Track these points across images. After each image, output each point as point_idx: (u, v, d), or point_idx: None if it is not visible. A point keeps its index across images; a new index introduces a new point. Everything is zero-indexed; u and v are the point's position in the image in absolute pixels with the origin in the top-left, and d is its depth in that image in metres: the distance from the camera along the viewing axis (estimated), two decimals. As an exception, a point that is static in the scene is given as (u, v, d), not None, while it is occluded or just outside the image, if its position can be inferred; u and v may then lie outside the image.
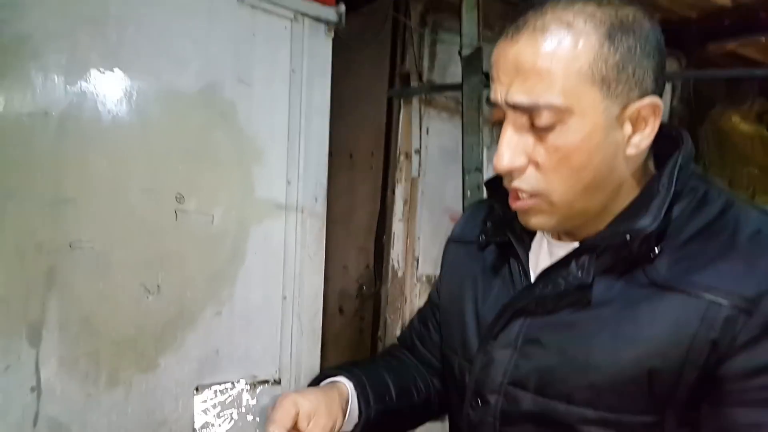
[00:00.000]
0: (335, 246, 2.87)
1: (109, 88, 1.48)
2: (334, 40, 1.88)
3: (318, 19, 1.81)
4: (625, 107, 0.69)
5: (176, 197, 1.58)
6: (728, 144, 3.95)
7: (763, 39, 3.21)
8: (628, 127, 0.70)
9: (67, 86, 1.42)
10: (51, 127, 1.41)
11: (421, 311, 1.10)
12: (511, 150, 0.71)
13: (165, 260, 1.57)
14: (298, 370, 1.84)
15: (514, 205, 0.75)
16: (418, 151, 2.68)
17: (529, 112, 0.68)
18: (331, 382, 0.94)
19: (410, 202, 2.70)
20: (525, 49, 0.67)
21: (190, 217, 1.60)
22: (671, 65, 3.50)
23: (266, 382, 1.77)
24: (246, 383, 1.73)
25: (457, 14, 2.24)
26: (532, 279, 0.82)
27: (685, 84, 3.60)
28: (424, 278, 2.78)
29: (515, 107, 0.69)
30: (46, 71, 1.39)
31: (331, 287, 3.00)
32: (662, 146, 0.78)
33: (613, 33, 0.67)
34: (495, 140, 0.74)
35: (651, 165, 0.79)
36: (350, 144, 2.94)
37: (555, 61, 0.66)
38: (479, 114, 2.23)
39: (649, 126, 0.71)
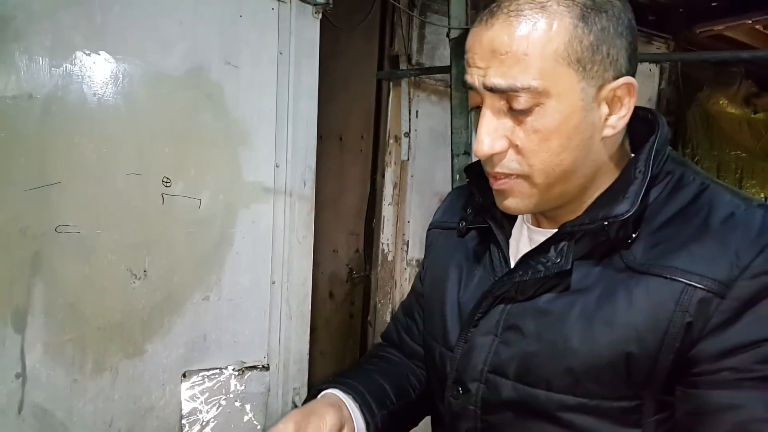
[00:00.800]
0: (325, 230, 2.86)
1: (94, 70, 1.45)
2: (322, 22, 1.86)
3: (305, 1, 1.78)
4: (600, 88, 0.69)
5: (163, 181, 1.56)
6: (716, 127, 3.98)
7: (749, 21, 3.22)
8: (604, 108, 0.70)
9: (52, 68, 1.40)
10: (36, 110, 1.38)
11: (404, 303, 1.09)
12: (491, 135, 0.71)
13: (152, 245, 1.56)
14: (287, 355, 1.84)
15: (495, 185, 0.75)
16: (408, 134, 2.67)
17: (507, 95, 0.68)
18: (325, 395, 0.92)
19: (400, 186, 2.70)
20: (500, 33, 0.67)
21: (177, 200, 1.59)
22: (660, 47, 3.50)
23: (254, 367, 1.77)
24: (234, 369, 1.73)
25: (446, -4, 2.22)
26: (512, 265, 0.81)
27: (673, 66, 3.60)
28: (414, 262, 2.79)
29: (493, 90, 0.69)
30: (30, 53, 1.37)
31: (321, 271, 2.99)
32: (639, 129, 0.78)
33: (587, 14, 0.67)
34: (474, 125, 0.73)
35: (627, 147, 0.79)
36: (339, 127, 2.92)
37: (530, 43, 0.66)
38: (468, 97, 2.21)
39: (625, 106, 0.71)
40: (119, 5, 1.47)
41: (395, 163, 2.67)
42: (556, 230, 0.77)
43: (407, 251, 2.75)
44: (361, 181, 2.81)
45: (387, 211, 2.67)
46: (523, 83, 0.66)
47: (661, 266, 0.68)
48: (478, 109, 0.73)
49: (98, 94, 1.46)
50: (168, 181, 1.57)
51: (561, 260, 0.73)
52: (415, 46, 2.63)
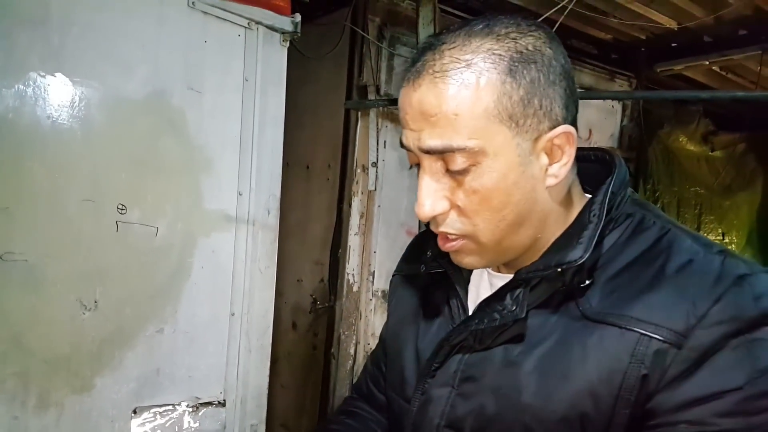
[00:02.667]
0: (289, 259, 2.81)
1: (49, 92, 1.40)
2: (290, 50, 1.84)
3: (273, 28, 1.77)
4: (537, 140, 0.67)
5: (118, 208, 1.50)
6: (676, 163, 4.08)
7: (706, 62, 3.34)
8: (544, 159, 0.69)
9: (3, 89, 1.34)
10: (-17, 132, 1.32)
11: (373, 352, 1.06)
12: (431, 197, 0.69)
13: (104, 274, 1.49)
14: (245, 390, 1.77)
15: (444, 246, 0.73)
16: (375, 164, 2.66)
17: (443, 156, 0.67)
18: None
19: (366, 216, 2.67)
20: (428, 95, 0.66)
21: (133, 228, 1.53)
22: (622, 85, 3.60)
23: (210, 404, 1.69)
24: (188, 405, 1.65)
25: (414, 28, 2.24)
26: (471, 312, 0.79)
27: (635, 104, 3.70)
28: (379, 293, 2.75)
29: (429, 152, 0.67)
30: (-20, 73, 1.31)
31: (284, 301, 2.93)
32: (596, 171, 0.77)
33: (514, 67, 0.65)
34: (415, 184, 0.73)
35: (579, 191, 0.77)
36: (307, 155, 2.90)
37: (459, 104, 0.64)
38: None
39: (566, 154, 0.69)
40: (79, 27, 1.43)
41: (362, 193, 2.65)
42: (511, 275, 0.75)
43: (373, 282, 2.72)
44: (327, 210, 2.78)
45: (353, 240, 2.64)
46: (459, 144, 0.65)
47: (617, 315, 0.66)
48: (417, 166, 0.72)
49: (52, 117, 1.40)
50: (123, 208, 1.51)
51: (516, 308, 0.71)
52: (383, 76, 2.64)
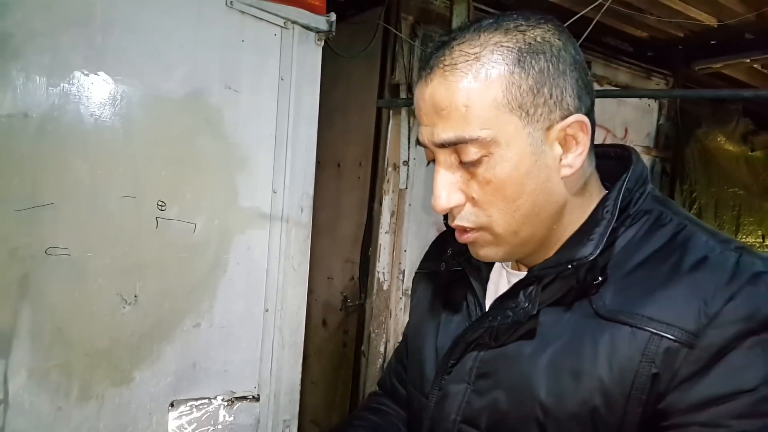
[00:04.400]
0: (320, 257, 2.83)
1: (92, 90, 1.44)
2: (324, 49, 1.85)
3: (308, 28, 1.78)
4: (549, 129, 0.68)
5: (158, 204, 1.53)
6: (714, 163, 3.99)
7: (747, 60, 3.25)
8: (557, 149, 0.69)
9: (49, 88, 1.38)
10: (30, 129, 1.36)
11: (397, 348, 1.08)
12: (447, 190, 0.70)
13: (143, 269, 1.52)
14: (278, 385, 1.79)
15: (460, 238, 0.74)
16: (406, 163, 2.65)
17: (456, 148, 0.68)
18: None
19: (397, 214, 2.68)
20: (439, 89, 0.67)
21: (172, 225, 1.56)
22: (659, 83, 3.53)
23: (244, 398, 1.72)
24: (223, 399, 1.68)
25: (448, 27, 2.23)
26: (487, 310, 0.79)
27: (672, 103, 3.63)
28: (409, 292, 2.75)
29: (442, 145, 0.69)
30: (27, 71, 1.35)
31: (315, 299, 2.95)
32: (613, 168, 0.77)
33: (522, 58, 0.66)
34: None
35: (598, 184, 0.76)
36: (338, 153, 2.91)
37: (469, 95, 0.66)
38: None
39: (580, 144, 0.69)
40: (120, 27, 1.46)
41: (393, 192, 2.65)
42: (512, 270, 0.77)
43: (403, 281, 2.72)
44: (358, 208, 2.79)
45: (384, 239, 2.65)
46: (470, 134, 0.66)
47: (628, 314, 0.66)
48: (434, 162, 0.73)
49: (95, 114, 1.44)
50: (163, 204, 1.54)
51: (528, 305, 0.71)
52: (415, 75, 2.63)
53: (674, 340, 0.62)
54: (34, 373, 1.38)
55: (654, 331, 0.63)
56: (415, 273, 1.02)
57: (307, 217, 1.85)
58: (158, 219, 1.53)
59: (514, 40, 0.67)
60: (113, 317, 1.49)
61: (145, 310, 1.53)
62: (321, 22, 1.80)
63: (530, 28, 0.68)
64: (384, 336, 2.67)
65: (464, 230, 0.72)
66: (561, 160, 0.70)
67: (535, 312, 0.71)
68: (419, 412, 0.85)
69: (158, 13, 1.52)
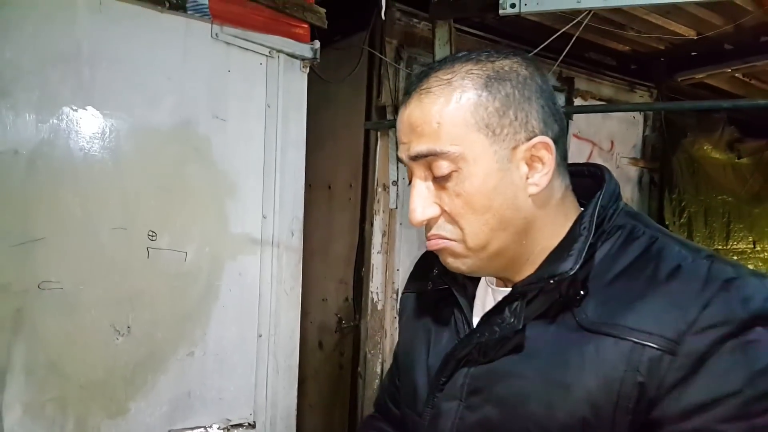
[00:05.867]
0: (314, 279, 2.84)
1: (81, 125, 1.46)
2: (310, 75, 1.89)
3: (293, 56, 1.82)
4: (515, 149, 0.73)
5: (148, 234, 1.55)
6: (702, 172, 4.03)
7: (729, 70, 3.31)
8: (523, 167, 0.73)
9: (39, 124, 1.40)
10: (20, 166, 1.38)
11: (389, 370, 1.09)
12: (422, 202, 0.75)
13: (136, 300, 1.53)
14: (274, 411, 1.79)
15: (429, 245, 0.78)
16: (396, 183, 2.68)
17: (429, 163, 0.73)
18: None
19: (388, 234, 2.69)
20: (415, 110, 0.74)
21: (163, 254, 1.57)
22: (643, 95, 3.58)
23: (240, 425, 1.72)
24: (219, 428, 1.68)
25: (431, 49, 2.27)
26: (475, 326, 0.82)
27: (657, 114, 3.68)
28: (403, 310, 2.75)
29: (416, 158, 0.74)
30: (16, 109, 1.37)
31: (310, 321, 2.96)
32: (588, 186, 0.81)
33: (490, 83, 0.72)
34: None
35: (573, 205, 0.80)
36: (328, 176, 2.94)
37: (441, 114, 0.72)
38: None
39: (546, 164, 0.74)
40: (107, 60, 1.49)
41: (384, 212, 2.67)
42: (509, 289, 0.78)
43: (397, 300, 2.73)
44: (349, 229, 2.80)
45: (376, 259, 2.66)
46: (441, 149, 0.71)
47: (611, 325, 0.68)
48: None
49: (84, 148, 1.46)
50: (153, 234, 1.55)
51: (514, 320, 0.74)
52: (401, 96, 2.68)
53: (656, 348, 0.64)
54: (29, 408, 1.39)
55: (636, 340, 0.66)
56: (402, 294, 1.04)
57: (297, 240, 1.87)
58: (149, 249, 1.54)
59: (484, 68, 0.73)
60: (107, 348, 1.49)
61: (138, 340, 1.54)
62: (305, 50, 1.83)
63: (499, 59, 0.75)
64: (380, 356, 2.67)
65: (434, 240, 0.77)
66: (528, 178, 0.74)
67: (520, 327, 0.73)
68: (414, 431, 0.86)
69: (145, 46, 1.55)
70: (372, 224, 2.64)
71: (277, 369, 1.81)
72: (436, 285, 0.89)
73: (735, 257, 4.51)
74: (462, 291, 0.85)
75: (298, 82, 1.85)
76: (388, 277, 2.70)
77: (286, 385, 1.83)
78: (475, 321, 0.82)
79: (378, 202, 2.65)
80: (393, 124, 2.56)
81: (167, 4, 1.56)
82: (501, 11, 2.02)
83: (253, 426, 1.74)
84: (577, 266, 0.70)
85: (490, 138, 0.72)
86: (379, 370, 2.66)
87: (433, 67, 0.76)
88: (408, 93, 0.77)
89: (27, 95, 1.39)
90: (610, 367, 0.66)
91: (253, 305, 1.76)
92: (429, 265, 0.93)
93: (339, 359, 2.87)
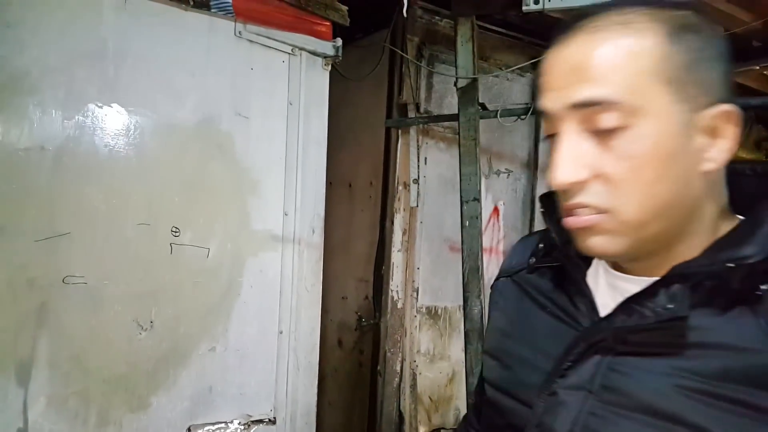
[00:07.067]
0: (334, 277, 2.84)
1: (106, 122, 1.47)
2: (332, 72, 1.89)
3: (315, 53, 1.82)
4: (696, 113, 0.60)
5: (172, 230, 1.56)
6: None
7: (757, 67, 3.24)
8: (702, 138, 0.60)
9: (65, 121, 1.42)
10: (47, 162, 1.40)
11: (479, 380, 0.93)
12: (572, 161, 0.60)
13: (159, 295, 1.54)
14: (294, 408, 1.80)
15: (572, 223, 0.63)
16: (417, 181, 2.67)
17: (592, 113, 0.59)
18: None
19: (409, 232, 2.68)
20: (582, 48, 0.60)
21: (185, 250, 1.58)
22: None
23: (261, 421, 1.73)
24: (240, 423, 1.69)
25: (453, 46, 2.26)
26: (601, 312, 0.67)
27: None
28: (423, 309, 2.75)
29: (576, 107, 0.60)
30: (43, 106, 1.39)
31: (330, 319, 2.96)
32: (745, 185, 0.68)
33: (678, 31, 0.60)
34: (546, 156, 0.64)
35: (725, 204, 0.66)
36: (349, 174, 2.94)
37: (617, 57, 0.59)
38: (476, 144, 2.23)
39: (728, 137, 0.61)
40: (132, 58, 1.50)
41: (404, 210, 2.67)
42: (643, 278, 0.65)
43: (417, 298, 2.72)
44: (370, 227, 2.80)
45: (396, 257, 2.65)
46: (614, 97, 0.58)
47: None
48: (550, 137, 0.64)
49: (109, 145, 1.48)
50: (177, 230, 1.57)
51: (675, 306, 0.59)
52: (423, 94, 2.67)
53: None
54: (52, 400, 1.40)
55: None
56: (496, 280, 0.89)
57: (318, 238, 1.87)
58: (172, 245, 1.56)
59: (669, 15, 0.61)
60: (130, 343, 1.51)
61: (161, 335, 1.55)
62: (328, 47, 1.83)
63: (683, 9, 0.62)
64: (400, 355, 2.67)
65: (577, 214, 0.62)
66: (705, 152, 0.61)
67: (686, 313, 0.58)
68: (514, 420, 0.73)
69: (169, 44, 1.56)
70: (392, 222, 2.64)
71: (298, 366, 1.81)
72: (542, 262, 0.76)
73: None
74: (577, 269, 0.70)
75: (320, 80, 1.85)
76: (408, 275, 2.69)
77: (306, 382, 1.83)
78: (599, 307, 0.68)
79: (399, 200, 2.64)
80: (415, 122, 2.56)
81: (191, 2, 1.57)
82: (524, 8, 1.99)
83: (273, 422, 1.74)
84: (764, 254, 0.57)
85: (672, 95, 0.58)
86: (398, 368, 2.66)
87: (595, 11, 0.62)
88: (565, 30, 0.62)
89: (53, 92, 1.40)
90: None
91: (274, 302, 1.77)
92: (530, 248, 0.81)
93: (358, 357, 2.87)
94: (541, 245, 0.77)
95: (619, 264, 0.68)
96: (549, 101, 0.62)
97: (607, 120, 0.58)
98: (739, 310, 0.58)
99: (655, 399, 0.59)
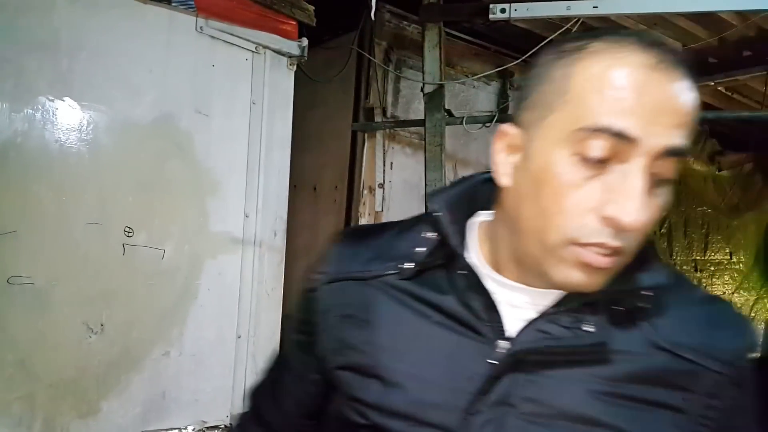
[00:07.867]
0: (297, 280, 2.80)
1: (57, 116, 1.41)
2: (298, 73, 1.86)
3: (280, 53, 1.79)
4: None
5: (125, 230, 1.50)
6: (683, 183, 4.07)
7: (712, 83, 3.34)
8: None
9: (12, 113, 1.36)
10: (-8, 156, 1.33)
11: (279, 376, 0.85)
12: (647, 204, 0.56)
13: (110, 297, 1.49)
14: (251, 414, 1.75)
15: (593, 261, 0.58)
16: (382, 185, 2.66)
17: (671, 160, 0.56)
18: None
19: (373, 237, 2.67)
20: (687, 90, 0.55)
21: (139, 251, 1.53)
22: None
23: (216, 428, 1.68)
24: (194, 429, 1.64)
25: (420, 52, 2.26)
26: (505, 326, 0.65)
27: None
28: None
29: (673, 154, 0.55)
30: (-11, 98, 1.33)
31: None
32: None
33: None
34: (591, 176, 0.57)
35: None
36: (314, 177, 2.91)
37: (695, 108, 0.56)
38: (441, 150, 2.23)
39: None
40: (87, 51, 1.45)
41: (369, 214, 2.65)
42: (532, 288, 0.65)
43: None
44: (334, 231, 2.78)
45: (359, 262, 2.63)
46: (688, 148, 0.56)
47: (680, 345, 0.64)
48: (600, 162, 0.56)
49: (60, 140, 1.42)
50: (130, 230, 1.51)
51: (591, 328, 0.63)
52: (390, 99, 2.66)
53: (722, 373, 0.63)
54: (-6, 406, 1.33)
55: (705, 363, 0.63)
56: (328, 283, 0.77)
57: (280, 241, 1.84)
58: (125, 245, 1.50)
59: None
60: (79, 347, 1.44)
61: (112, 338, 1.49)
62: (293, 47, 1.80)
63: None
64: (360, 360, 2.64)
65: (603, 255, 0.58)
66: None
67: (594, 332, 0.62)
68: None
69: (126, 37, 1.51)
70: (356, 227, 2.62)
71: (256, 371, 1.77)
72: (425, 267, 0.69)
73: (712, 268, 4.57)
74: (473, 278, 0.67)
75: (285, 80, 1.82)
76: (371, 280, 2.67)
77: (264, 388, 1.79)
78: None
79: (364, 204, 2.62)
80: (380, 126, 2.55)
81: (151, -5, 1.53)
82: (491, 16, 2.01)
83: (229, 429, 1.70)
84: (659, 278, 0.63)
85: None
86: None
87: (636, 34, 0.57)
88: (666, 53, 0.55)
89: (1, 84, 1.34)
90: (681, 390, 0.62)
91: (233, 305, 1.72)
92: (370, 247, 0.75)
93: (319, 363, 2.83)
94: (417, 249, 0.70)
95: (499, 267, 0.68)
96: (641, 132, 0.55)
97: (671, 171, 0.56)
98: (628, 323, 0.64)
99: (572, 405, 0.62)
